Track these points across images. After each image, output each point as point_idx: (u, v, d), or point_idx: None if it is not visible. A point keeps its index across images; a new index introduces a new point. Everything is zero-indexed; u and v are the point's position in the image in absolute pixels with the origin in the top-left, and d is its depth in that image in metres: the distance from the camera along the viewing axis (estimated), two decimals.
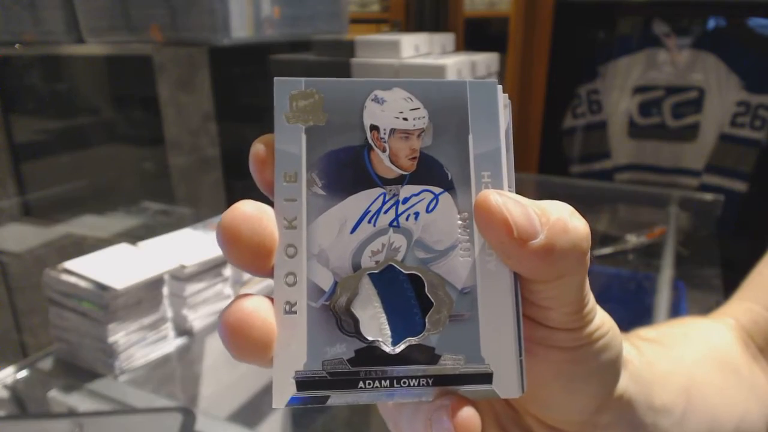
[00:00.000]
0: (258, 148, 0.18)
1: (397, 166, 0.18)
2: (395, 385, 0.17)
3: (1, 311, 1.63)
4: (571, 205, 0.18)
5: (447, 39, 1.15)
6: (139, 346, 0.75)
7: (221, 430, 0.64)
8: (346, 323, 0.18)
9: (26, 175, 1.65)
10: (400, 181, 0.18)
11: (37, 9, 1.18)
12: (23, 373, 0.76)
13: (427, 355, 0.18)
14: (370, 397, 0.17)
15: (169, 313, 0.79)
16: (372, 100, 0.18)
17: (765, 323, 0.34)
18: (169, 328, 0.79)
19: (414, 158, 0.18)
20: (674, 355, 0.29)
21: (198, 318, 0.82)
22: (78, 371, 0.74)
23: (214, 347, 0.84)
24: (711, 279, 1.00)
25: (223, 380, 0.86)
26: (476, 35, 1.75)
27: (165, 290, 0.77)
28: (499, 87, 0.19)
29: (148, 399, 0.69)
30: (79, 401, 0.69)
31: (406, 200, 0.18)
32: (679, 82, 1.62)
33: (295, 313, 0.17)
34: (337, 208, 0.18)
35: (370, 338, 0.18)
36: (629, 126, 1.69)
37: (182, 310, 0.80)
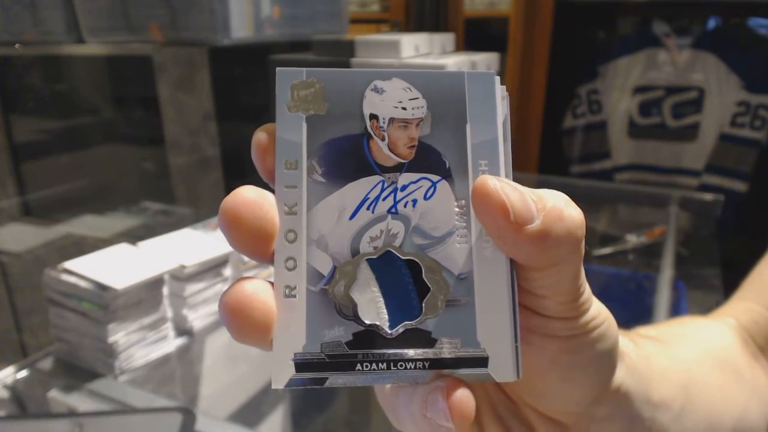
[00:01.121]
0: (260, 136, 0.18)
1: (395, 155, 0.19)
2: (392, 368, 0.18)
3: (1, 311, 1.63)
4: None
5: (447, 39, 1.15)
6: (139, 346, 0.75)
7: (221, 430, 0.64)
8: (345, 307, 0.18)
9: (26, 175, 1.65)
10: (399, 168, 0.18)
11: (37, 9, 1.18)
12: (23, 373, 0.76)
13: (423, 338, 0.18)
14: (367, 380, 0.18)
15: (169, 313, 0.79)
16: (371, 89, 0.19)
17: (765, 323, 0.34)
18: (169, 328, 0.79)
19: (412, 147, 0.19)
20: (673, 352, 0.29)
21: (198, 318, 0.82)
22: (78, 371, 0.74)
23: (214, 347, 0.84)
24: (711, 279, 1.00)
25: (223, 380, 0.86)
26: (476, 35, 1.75)
27: (165, 290, 0.77)
28: (497, 78, 0.19)
29: (148, 399, 0.69)
30: (79, 401, 0.69)
31: (404, 188, 0.18)
32: (679, 82, 1.62)
33: (295, 296, 0.18)
34: (336, 195, 0.18)
35: (367, 322, 0.18)
36: (629, 126, 1.69)
37: (182, 310, 0.80)
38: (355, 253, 0.18)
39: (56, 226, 1.57)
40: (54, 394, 0.70)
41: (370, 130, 0.18)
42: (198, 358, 0.83)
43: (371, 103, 0.19)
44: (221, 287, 0.85)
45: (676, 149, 1.67)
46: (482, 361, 0.18)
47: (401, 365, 0.18)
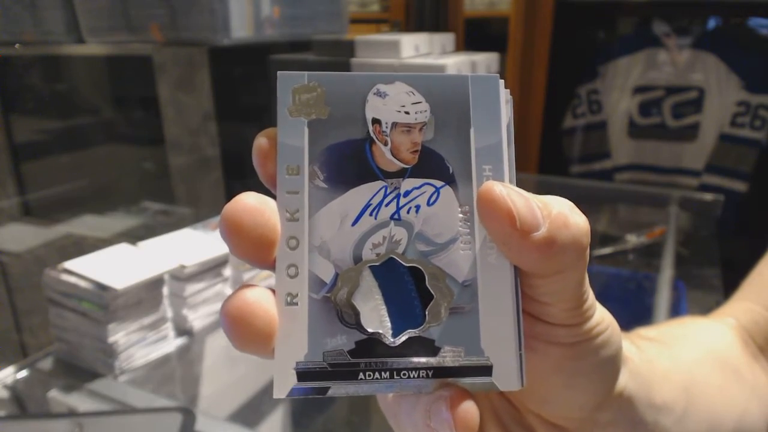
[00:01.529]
0: (261, 141, 0.18)
1: (398, 160, 0.18)
2: (395, 377, 0.17)
3: (1, 311, 1.63)
4: None
5: (447, 39, 1.15)
6: (139, 346, 0.75)
7: (221, 430, 0.64)
8: (347, 315, 0.18)
9: (26, 175, 1.65)
10: (402, 174, 0.18)
11: (37, 9, 1.18)
12: (23, 373, 0.76)
13: (427, 347, 0.18)
14: (370, 389, 0.17)
15: (169, 313, 0.79)
16: (374, 93, 0.18)
17: (765, 323, 0.34)
18: (169, 328, 0.79)
19: (415, 152, 0.18)
20: (674, 354, 0.29)
21: (198, 318, 0.82)
22: (78, 371, 0.74)
23: (214, 347, 0.84)
24: (711, 279, 1.00)
25: (223, 380, 0.86)
26: (476, 35, 1.75)
27: (165, 290, 0.77)
28: (501, 81, 0.19)
29: (148, 399, 0.69)
30: (79, 401, 0.69)
31: (407, 193, 0.18)
32: (679, 82, 1.62)
33: (297, 304, 0.17)
34: (338, 201, 0.18)
35: (370, 330, 0.18)
36: (629, 126, 1.69)
37: (182, 310, 0.80)
38: (357, 260, 0.18)
39: (56, 226, 1.57)
40: (54, 394, 0.70)
41: (372, 134, 0.18)
42: (198, 358, 0.83)
43: (374, 108, 0.18)
44: (221, 287, 0.85)
45: (676, 149, 1.67)
46: (486, 370, 0.18)
47: (404, 374, 0.17)
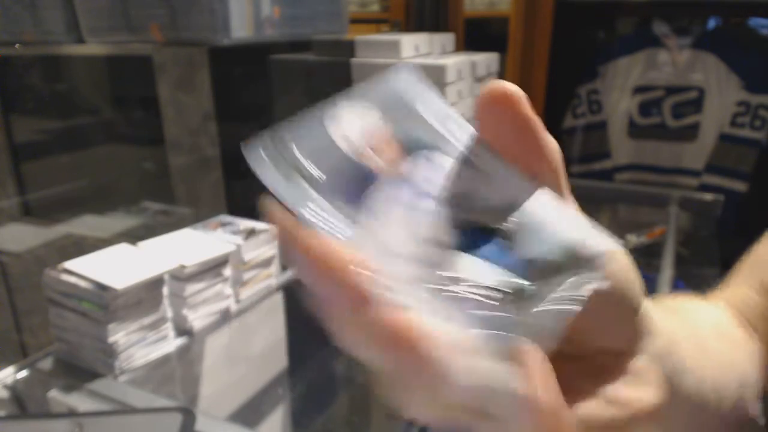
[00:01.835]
0: (283, 223, 0.17)
1: (389, 165, 0.19)
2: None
3: (1, 311, 1.63)
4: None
5: (447, 39, 1.15)
6: (139, 346, 0.75)
7: (221, 430, 0.64)
8: (483, 299, 0.18)
9: (26, 175, 1.65)
10: (401, 172, 0.19)
11: (37, 9, 1.18)
12: (23, 373, 0.76)
13: (539, 270, 0.19)
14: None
15: (169, 313, 0.79)
16: (332, 127, 0.19)
17: (754, 303, 0.35)
18: (169, 328, 0.79)
19: (396, 151, 0.19)
20: (677, 319, 0.29)
21: (198, 318, 0.82)
22: (78, 371, 0.74)
23: (214, 347, 0.84)
24: (711, 279, 0.99)
25: (223, 380, 0.86)
26: (476, 35, 1.75)
27: (165, 290, 0.77)
28: (414, 67, 0.20)
29: (148, 399, 0.69)
30: (79, 401, 0.69)
31: (416, 183, 0.19)
32: (679, 82, 1.62)
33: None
34: (373, 231, 0.18)
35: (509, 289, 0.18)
36: (629, 126, 1.69)
37: (182, 310, 0.80)
38: (422, 264, 0.18)
39: (56, 226, 1.57)
40: (54, 394, 0.70)
41: (359, 161, 0.19)
42: (198, 358, 0.83)
43: (344, 139, 0.19)
44: (221, 287, 0.85)
45: (676, 149, 1.67)
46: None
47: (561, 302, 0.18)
